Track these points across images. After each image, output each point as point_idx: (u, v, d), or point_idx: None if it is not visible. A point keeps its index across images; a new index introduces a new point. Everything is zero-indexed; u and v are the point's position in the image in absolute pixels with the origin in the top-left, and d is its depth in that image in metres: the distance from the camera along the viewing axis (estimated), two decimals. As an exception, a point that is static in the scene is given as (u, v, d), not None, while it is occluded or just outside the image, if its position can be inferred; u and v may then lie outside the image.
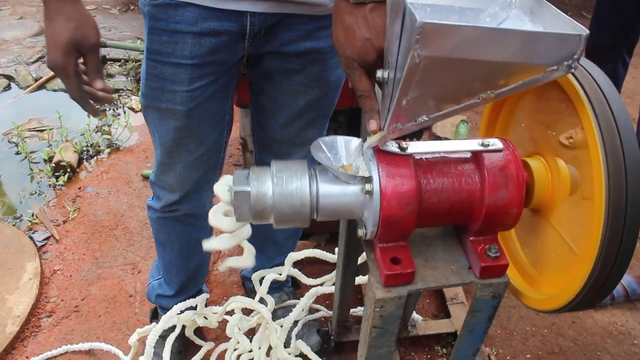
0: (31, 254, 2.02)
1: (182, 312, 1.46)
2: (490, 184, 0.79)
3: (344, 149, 0.84)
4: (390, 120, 0.72)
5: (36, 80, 3.41)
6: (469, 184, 0.80)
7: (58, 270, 2.03)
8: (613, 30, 2.32)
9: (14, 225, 2.24)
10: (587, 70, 0.77)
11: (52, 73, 3.51)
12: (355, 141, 0.84)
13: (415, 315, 1.70)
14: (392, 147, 0.78)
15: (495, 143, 0.82)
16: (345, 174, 0.78)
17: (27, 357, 1.69)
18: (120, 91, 3.29)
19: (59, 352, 1.69)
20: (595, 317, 1.92)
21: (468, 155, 0.83)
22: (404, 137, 0.79)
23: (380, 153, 0.78)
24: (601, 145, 0.72)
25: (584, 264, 0.78)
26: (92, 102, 1.03)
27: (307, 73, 1.21)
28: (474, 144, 0.81)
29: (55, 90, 3.35)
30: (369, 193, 0.76)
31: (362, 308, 1.69)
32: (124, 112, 3.09)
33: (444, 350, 1.75)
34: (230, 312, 1.58)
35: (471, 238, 0.85)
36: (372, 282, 0.82)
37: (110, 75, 3.48)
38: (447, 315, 1.82)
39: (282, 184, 0.77)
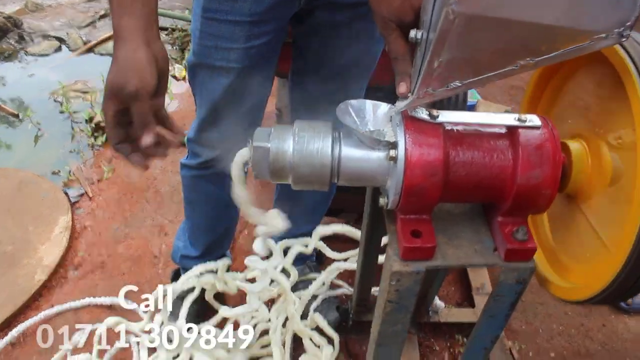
0: (64, 208, 2.07)
1: (202, 274, 1.46)
2: (524, 161, 0.75)
3: (371, 114, 0.80)
4: (421, 84, 0.68)
5: (85, 43, 3.47)
6: (501, 160, 0.76)
7: (88, 226, 2.07)
8: None
9: (51, 180, 2.29)
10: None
11: (101, 37, 3.61)
12: (383, 107, 0.80)
13: (437, 301, 1.66)
14: (422, 114, 0.74)
15: (533, 119, 0.77)
16: (371, 137, 0.74)
17: (52, 305, 1.73)
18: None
19: (82, 304, 1.73)
20: (628, 322, 1.84)
21: (503, 130, 0.78)
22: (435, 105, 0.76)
23: (408, 119, 0.74)
24: None
25: (615, 259, 0.74)
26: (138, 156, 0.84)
27: (354, 27, 1.19)
28: (509, 119, 0.77)
29: (102, 55, 3.40)
30: (393, 159, 0.73)
31: (383, 289, 1.66)
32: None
33: (465, 339, 1.70)
34: (252, 280, 1.57)
35: (499, 218, 0.81)
36: (390, 254, 0.79)
37: (156, 42, 3.51)
38: (472, 304, 1.77)
39: (303, 143, 0.74)
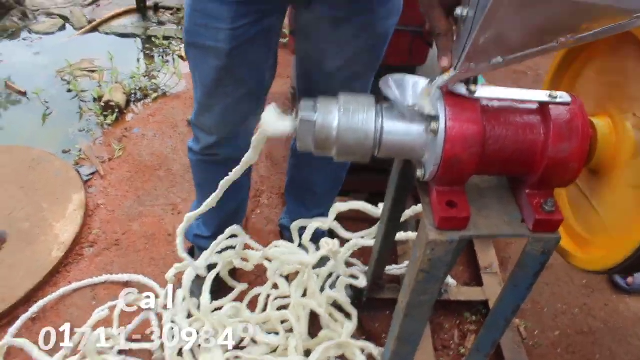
0: (77, 186, 2.09)
1: (222, 251, 1.49)
2: (555, 135, 0.79)
3: (411, 89, 0.84)
4: (465, 60, 0.72)
5: (90, 22, 3.46)
6: (533, 134, 0.80)
7: (101, 204, 2.09)
8: None
9: (62, 158, 2.30)
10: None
11: (105, 15, 3.59)
12: (423, 82, 0.84)
13: (449, 279, 1.70)
14: (461, 89, 0.78)
15: (564, 96, 0.81)
16: (412, 110, 0.78)
17: (69, 282, 1.76)
18: (171, 39, 3.32)
19: (99, 280, 1.76)
20: (628, 302, 1.90)
21: (535, 106, 0.82)
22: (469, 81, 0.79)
23: (448, 94, 0.78)
24: None
25: (635, 232, 0.78)
26: None
27: (355, 22, 1.19)
28: (542, 95, 0.81)
29: (107, 34, 3.40)
30: (434, 132, 0.77)
31: (397, 266, 1.70)
32: (173, 60, 3.12)
33: (474, 317, 1.76)
34: (268, 259, 1.61)
35: (527, 191, 0.85)
36: (426, 224, 0.83)
37: (162, 23, 3.51)
38: (480, 284, 1.82)
39: (348, 115, 0.78)
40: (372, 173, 1.81)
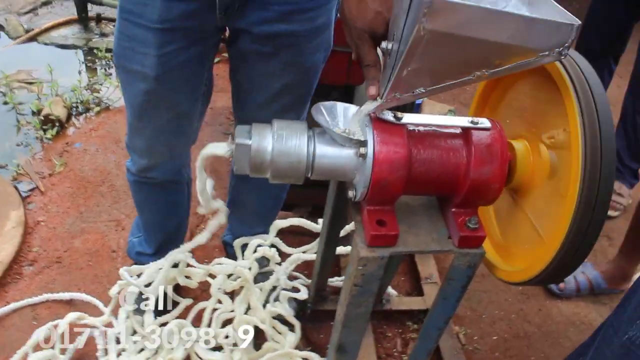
0: (15, 203, 2.03)
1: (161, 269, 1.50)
2: (476, 159, 0.84)
3: (342, 115, 0.88)
4: (390, 90, 0.77)
5: (27, 31, 3.36)
6: (457, 157, 0.86)
7: (42, 221, 2.04)
8: (602, 37, 2.40)
9: (-1, 174, 2.24)
10: (577, 64, 0.82)
11: (44, 25, 3.51)
12: (353, 108, 0.88)
13: (390, 289, 1.76)
14: (388, 116, 0.83)
15: (484, 122, 0.87)
16: (342, 136, 0.82)
17: (7, 302, 1.71)
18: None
19: (39, 300, 1.71)
20: (560, 307, 2.01)
21: (458, 131, 0.88)
22: (398, 109, 0.84)
23: (376, 120, 0.83)
24: (582, 141, 0.78)
25: (550, 247, 0.85)
26: None
27: (282, 57, 1.20)
28: (464, 121, 0.86)
29: (46, 44, 3.31)
30: (363, 156, 0.81)
31: (339, 278, 1.75)
32: (116, 73, 3.09)
33: (415, 325, 1.82)
34: (211, 275, 1.62)
35: (453, 209, 0.91)
36: (357, 241, 0.87)
37: (104, 35, 3.45)
38: (421, 293, 1.88)
39: (282, 141, 0.81)
40: (315, 187, 1.85)
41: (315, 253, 1.52)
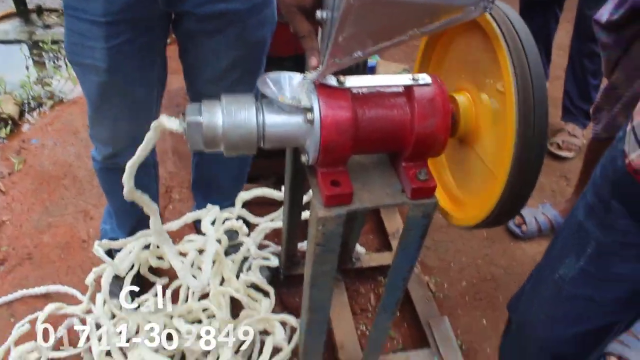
0: (-22, 205, 2.02)
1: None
2: (420, 114, 0.88)
3: (287, 84, 0.91)
4: (329, 56, 0.80)
5: (-33, 28, 3.26)
6: (401, 114, 0.90)
7: (6, 220, 2.03)
8: None
9: (-43, 177, 2.21)
10: (507, 16, 0.86)
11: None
12: (298, 76, 0.91)
13: (358, 247, 1.82)
14: (332, 81, 0.86)
15: (425, 78, 0.90)
16: (289, 104, 0.85)
17: (-18, 303, 1.72)
18: (60, 42, 3.19)
19: (14, 297, 1.73)
20: (524, 248, 2.11)
21: (400, 89, 0.92)
22: (351, 72, 0.87)
23: (320, 86, 0.86)
24: (514, 83, 0.83)
25: (498, 185, 0.90)
26: None
27: (227, 34, 1.23)
28: (405, 79, 0.90)
29: (-6, 39, 3.22)
30: (310, 122, 0.84)
31: (309, 243, 1.79)
32: (66, 65, 3.03)
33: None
34: (182, 254, 1.65)
35: (403, 164, 0.95)
36: (315, 203, 0.91)
37: (48, 26, 3.37)
38: (389, 249, 1.95)
39: (231, 115, 0.84)
40: (277, 157, 1.88)
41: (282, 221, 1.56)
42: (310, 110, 0.84)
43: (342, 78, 0.86)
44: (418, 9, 0.74)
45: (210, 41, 1.26)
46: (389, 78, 0.91)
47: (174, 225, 1.54)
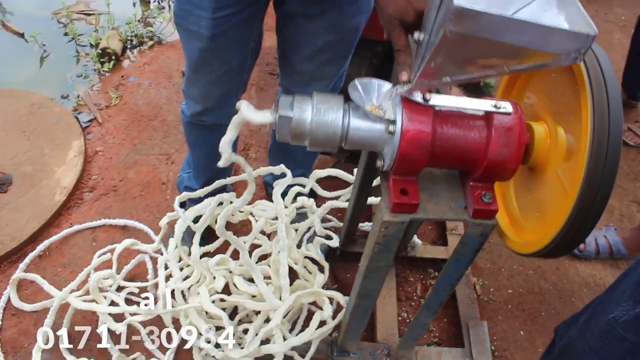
0: (77, 133, 2.21)
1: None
2: (495, 141, 0.93)
3: (376, 91, 0.97)
4: (419, 77, 0.85)
5: (86, -39, 3.46)
6: (477, 138, 0.94)
7: (99, 151, 2.23)
8: None
9: (62, 104, 2.41)
10: (597, 60, 0.88)
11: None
12: (387, 85, 0.97)
13: (416, 238, 1.88)
14: (417, 97, 0.91)
15: (506, 106, 0.94)
16: (374, 114, 0.92)
17: (71, 224, 1.92)
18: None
19: (97, 224, 1.92)
20: (578, 267, 2.10)
21: (481, 113, 0.96)
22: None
23: (406, 101, 0.91)
24: (590, 136, 0.86)
25: (558, 220, 0.94)
26: None
27: (326, 18, 1.30)
28: (487, 105, 0.94)
29: (103, -26, 3.41)
30: (391, 133, 0.91)
31: (369, 224, 1.87)
32: (169, 7, 3.17)
33: (436, 273, 1.95)
34: (252, 214, 1.77)
35: (471, 183, 1.00)
36: (382, 206, 0.98)
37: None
38: (445, 243, 2.00)
39: (320, 114, 0.91)
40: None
41: (348, 201, 1.64)
42: (393, 122, 0.90)
43: (427, 95, 0.91)
44: (510, 49, 0.77)
45: (307, 24, 1.33)
46: (473, 102, 0.95)
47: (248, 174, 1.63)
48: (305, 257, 1.69)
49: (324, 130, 0.92)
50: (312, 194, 1.98)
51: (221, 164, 1.13)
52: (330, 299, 1.59)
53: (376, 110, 0.93)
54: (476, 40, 0.75)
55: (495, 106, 0.93)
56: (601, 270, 2.07)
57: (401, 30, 0.90)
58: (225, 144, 1.05)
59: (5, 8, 3.06)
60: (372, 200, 1.80)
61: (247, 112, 0.96)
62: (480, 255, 2.06)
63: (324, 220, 1.93)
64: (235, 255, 1.76)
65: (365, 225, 1.91)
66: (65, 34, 2.89)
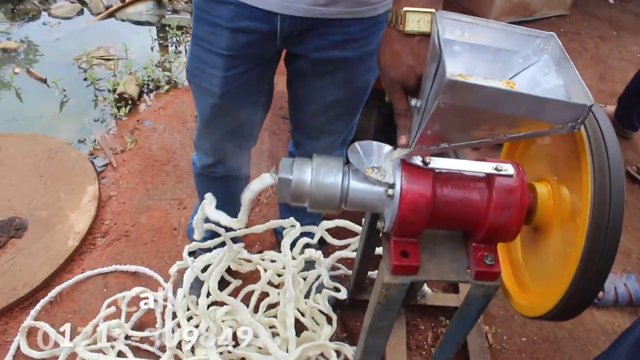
0: (92, 177, 2.26)
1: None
2: (496, 204, 0.92)
3: (376, 152, 0.98)
4: (417, 142, 0.85)
5: (107, 8, 3.58)
6: (478, 200, 0.94)
7: (113, 196, 2.26)
8: None
9: (77, 148, 2.47)
10: (598, 125, 0.87)
11: (120, 3, 3.72)
12: (387, 148, 0.97)
13: (426, 287, 1.86)
14: (417, 160, 0.92)
15: (508, 169, 0.94)
16: (373, 177, 0.92)
17: (83, 270, 1.94)
18: (184, 29, 3.43)
19: (109, 270, 1.94)
20: (595, 314, 2.05)
21: (482, 175, 0.96)
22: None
23: (405, 164, 0.92)
24: (591, 201, 0.85)
25: (563, 282, 0.92)
26: None
27: (336, 77, 1.32)
28: (488, 167, 0.94)
29: (123, 20, 3.53)
30: (390, 197, 0.91)
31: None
32: (185, 51, 3.25)
33: (447, 321, 1.92)
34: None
35: (473, 244, 0.99)
36: (383, 267, 0.98)
37: (176, 11, 3.62)
38: (456, 291, 1.97)
39: (319, 177, 0.92)
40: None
41: (356, 251, 1.63)
42: (392, 186, 0.91)
43: (427, 159, 0.92)
44: (506, 119, 0.77)
45: (318, 81, 1.35)
46: (473, 164, 0.95)
47: (259, 228, 1.65)
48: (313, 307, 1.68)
49: (323, 192, 0.93)
50: (321, 241, 1.99)
51: (196, 236, 1.27)
52: (338, 352, 1.57)
53: (375, 173, 0.94)
54: (471, 110, 0.75)
55: (496, 169, 0.93)
56: (619, 318, 2.02)
57: (402, 94, 0.91)
58: (198, 221, 1.18)
59: (32, 58, 3.16)
60: (379, 250, 1.79)
61: (255, 183, 1.00)
62: (492, 302, 2.02)
63: (333, 268, 1.92)
64: (244, 300, 1.76)
65: (374, 274, 1.90)
66: (85, 79, 2.97)
